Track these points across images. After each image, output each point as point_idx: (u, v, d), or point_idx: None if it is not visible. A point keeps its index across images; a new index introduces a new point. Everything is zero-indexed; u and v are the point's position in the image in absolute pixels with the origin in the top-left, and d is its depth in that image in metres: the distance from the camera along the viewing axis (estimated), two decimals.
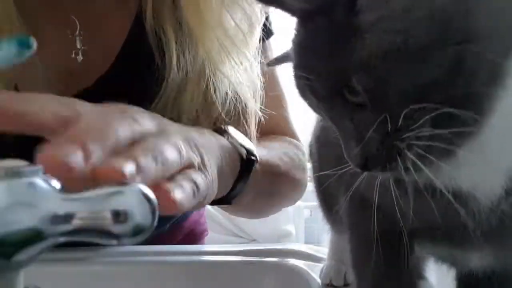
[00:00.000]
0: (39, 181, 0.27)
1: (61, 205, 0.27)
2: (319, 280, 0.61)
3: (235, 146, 0.58)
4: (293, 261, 0.66)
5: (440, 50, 0.32)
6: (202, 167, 0.45)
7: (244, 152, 0.59)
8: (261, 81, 0.70)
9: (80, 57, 0.69)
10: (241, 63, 0.67)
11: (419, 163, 0.34)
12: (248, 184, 0.60)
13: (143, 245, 0.67)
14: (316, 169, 0.56)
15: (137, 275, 0.65)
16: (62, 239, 0.27)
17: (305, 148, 0.81)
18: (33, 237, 0.26)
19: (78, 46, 0.69)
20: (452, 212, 0.37)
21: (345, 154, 0.37)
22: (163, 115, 0.47)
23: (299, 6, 0.36)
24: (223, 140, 0.57)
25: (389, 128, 0.34)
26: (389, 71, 0.33)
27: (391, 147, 0.34)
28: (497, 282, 0.43)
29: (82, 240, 0.28)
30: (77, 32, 0.69)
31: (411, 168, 0.34)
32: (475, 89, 0.32)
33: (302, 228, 2.67)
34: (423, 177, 0.36)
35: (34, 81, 0.65)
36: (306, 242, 2.44)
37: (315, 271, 0.63)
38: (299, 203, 2.76)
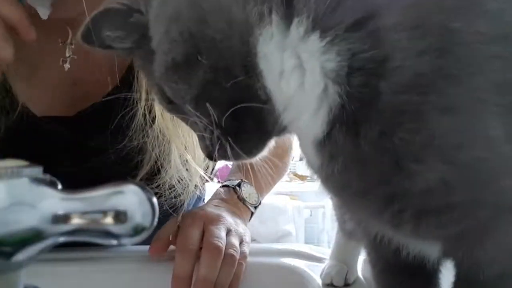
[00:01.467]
0: (39, 181, 0.27)
1: (61, 205, 0.27)
2: (319, 280, 0.61)
3: (248, 208, 0.78)
4: (293, 261, 0.66)
5: (195, 60, 0.38)
6: (244, 242, 0.67)
7: (253, 210, 0.79)
8: None
9: (67, 65, 0.69)
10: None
11: (235, 150, 0.41)
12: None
13: (143, 245, 0.67)
14: None
15: (137, 274, 0.65)
16: (62, 239, 0.27)
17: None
18: (33, 237, 0.26)
19: (67, 54, 0.69)
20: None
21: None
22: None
23: (122, 46, 0.45)
24: (241, 211, 0.76)
25: (210, 127, 0.40)
26: (175, 82, 0.40)
27: (219, 142, 0.41)
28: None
29: (82, 240, 0.28)
30: (68, 40, 0.69)
31: (231, 156, 0.41)
32: (240, 84, 0.38)
33: (302, 228, 2.67)
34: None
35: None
36: (306, 242, 2.44)
37: (315, 271, 0.63)
38: (299, 203, 2.77)
